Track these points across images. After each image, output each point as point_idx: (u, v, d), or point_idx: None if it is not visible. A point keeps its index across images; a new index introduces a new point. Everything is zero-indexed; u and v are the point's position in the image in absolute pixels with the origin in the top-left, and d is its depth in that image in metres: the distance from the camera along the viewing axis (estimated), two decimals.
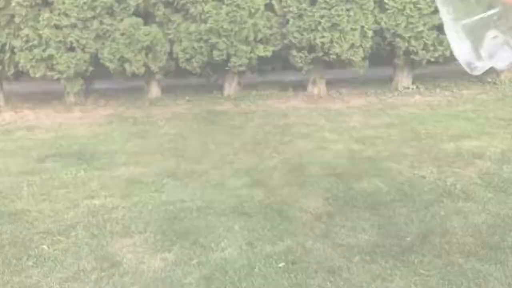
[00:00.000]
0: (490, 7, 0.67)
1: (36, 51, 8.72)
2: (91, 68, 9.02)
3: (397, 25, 8.86)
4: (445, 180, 4.81)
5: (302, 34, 8.78)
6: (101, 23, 8.78)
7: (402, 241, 3.61)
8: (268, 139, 6.66)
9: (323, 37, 8.67)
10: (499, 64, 0.71)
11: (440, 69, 11.73)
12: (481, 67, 0.71)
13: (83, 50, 8.82)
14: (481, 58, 0.70)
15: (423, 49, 9.01)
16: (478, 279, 3.06)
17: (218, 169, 5.45)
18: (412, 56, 9.20)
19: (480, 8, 0.68)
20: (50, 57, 8.77)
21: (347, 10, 8.62)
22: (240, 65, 8.96)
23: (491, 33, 0.68)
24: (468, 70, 0.72)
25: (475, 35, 0.69)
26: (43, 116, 8.67)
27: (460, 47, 0.70)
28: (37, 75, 8.92)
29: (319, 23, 8.63)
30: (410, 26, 8.83)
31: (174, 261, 3.47)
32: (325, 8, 8.61)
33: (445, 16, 0.70)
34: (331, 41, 8.72)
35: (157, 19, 9.14)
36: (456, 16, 0.69)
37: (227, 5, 8.57)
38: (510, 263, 3.23)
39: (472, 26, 0.68)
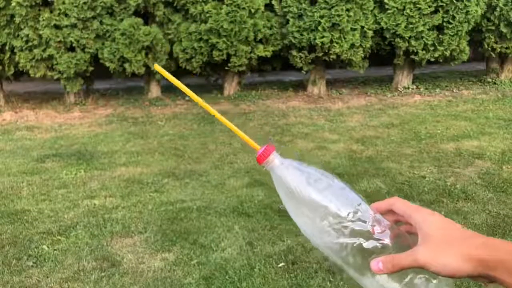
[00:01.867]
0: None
1: (36, 51, 8.73)
2: (91, 68, 9.03)
3: (397, 25, 8.87)
4: (445, 180, 4.82)
5: (302, 34, 8.78)
6: (101, 23, 8.78)
7: None
8: (268, 139, 6.65)
9: (323, 37, 8.67)
10: None
11: (440, 69, 11.77)
12: None
13: (83, 50, 8.83)
14: None
15: (423, 49, 9.02)
16: None
17: (218, 169, 5.45)
18: (412, 56, 9.20)
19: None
20: (50, 57, 8.78)
21: (347, 10, 8.62)
22: (240, 65, 8.97)
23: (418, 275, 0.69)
24: None
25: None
26: (43, 116, 8.67)
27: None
28: (37, 75, 8.93)
29: (319, 23, 8.63)
30: (410, 26, 8.83)
31: (174, 261, 3.47)
32: (325, 8, 8.61)
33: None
34: (331, 41, 8.72)
35: (157, 19, 9.15)
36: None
37: (227, 5, 8.57)
38: None
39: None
